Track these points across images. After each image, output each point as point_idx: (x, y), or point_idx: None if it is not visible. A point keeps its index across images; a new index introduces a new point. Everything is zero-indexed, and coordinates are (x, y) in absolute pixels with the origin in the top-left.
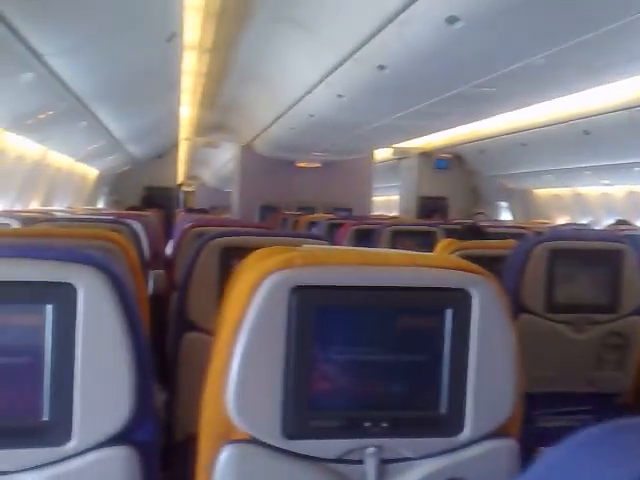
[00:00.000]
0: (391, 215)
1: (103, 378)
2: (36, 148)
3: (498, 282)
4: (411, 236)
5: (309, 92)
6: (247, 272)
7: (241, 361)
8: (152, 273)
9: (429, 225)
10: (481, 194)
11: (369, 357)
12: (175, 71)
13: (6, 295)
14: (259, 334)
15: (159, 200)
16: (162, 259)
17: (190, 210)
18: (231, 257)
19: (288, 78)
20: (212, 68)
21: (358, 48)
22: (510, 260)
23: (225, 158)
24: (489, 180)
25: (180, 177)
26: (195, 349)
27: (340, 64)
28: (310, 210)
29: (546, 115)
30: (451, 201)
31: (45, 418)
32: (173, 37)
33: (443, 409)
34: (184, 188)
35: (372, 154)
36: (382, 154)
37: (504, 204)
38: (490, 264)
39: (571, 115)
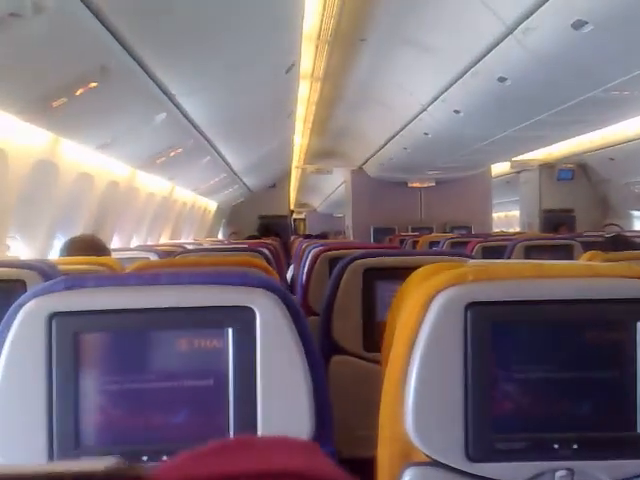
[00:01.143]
0: (513, 231)
1: (284, 398)
2: (164, 185)
3: None
4: (546, 251)
5: (424, 110)
6: (415, 290)
7: (417, 380)
8: None
9: (565, 238)
10: (611, 204)
11: (553, 374)
12: (292, 101)
13: (192, 320)
14: (434, 352)
15: (274, 228)
16: (285, 284)
17: (307, 236)
18: (373, 278)
19: (401, 98)
20: (324, 95)
21: (476, 61)
22: None
23: (335, 183)
24: (620, 189)
25: (291, 205)
26: (343, 372)
27: (457, 79)
28: (426, 230)
29: None
30: (577, 213)
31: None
32: (292, 68)
33: (639, 429)
34: (295, 215)
35: (489, 169)
36: (498, 169)
37: (638, 213)
38: None
39: None
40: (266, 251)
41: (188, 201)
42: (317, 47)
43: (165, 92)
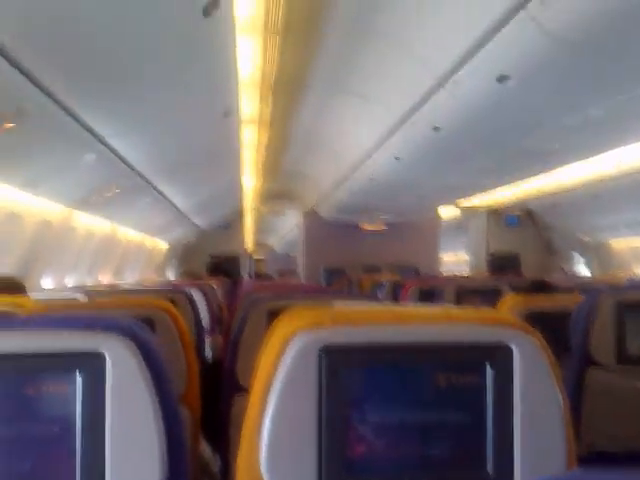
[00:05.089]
0: (457, 274)
1: (132, 446)
2: (105, 224)
3: (540, 336)
4: (476, 294)
5: (368, 157)
6: (278, 331)
7: (272, 424)
8: (210, 339)
9: (496, 282)
10: (555, 249)
11: (406, 418)
12: (234, 144)
13: (37, 366)
14: (289, 395)
15: (225, 267)
16: (225, 325)
17: (258, 276)
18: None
19: (347, 144)
20: (272, 139)
21: (413, 112)
22: (575, 314)
23: (290, 224)
24: (563, 234)
25: (249, 245)
26: (245, 411)
27: (396, 128)
28: (375, 271)
29: (615, 165)
30: (524, 257)
31: None
32: (230, 112)
33: (490, 469)
34: (255, 256)
35: (437, 213)
36: (449, 213)
37: (580, 258)
38: (557, 319)
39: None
40: (196, 292)
41: (134, 240)
42: (261, 93)
43: (92, 133)
